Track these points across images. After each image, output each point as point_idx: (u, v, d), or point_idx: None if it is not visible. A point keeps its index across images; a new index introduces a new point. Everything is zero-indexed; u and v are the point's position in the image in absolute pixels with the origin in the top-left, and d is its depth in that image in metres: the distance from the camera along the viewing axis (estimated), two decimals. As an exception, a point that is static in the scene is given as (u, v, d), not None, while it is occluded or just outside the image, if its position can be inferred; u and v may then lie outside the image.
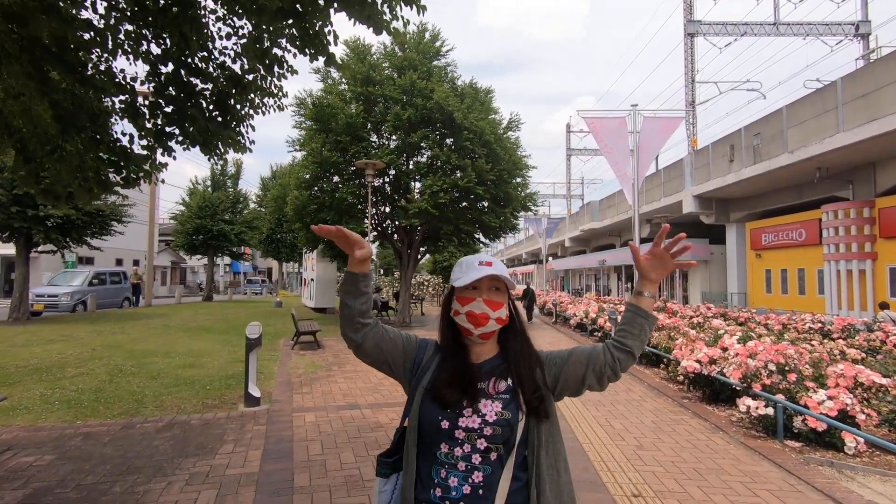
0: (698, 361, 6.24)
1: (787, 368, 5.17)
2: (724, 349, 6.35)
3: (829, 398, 4.56)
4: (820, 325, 11.84)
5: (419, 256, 16.95)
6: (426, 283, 29.57)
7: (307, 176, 14.92)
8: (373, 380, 7.40)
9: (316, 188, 15.11)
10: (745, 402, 5.04)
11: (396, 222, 15.42)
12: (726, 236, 24.32)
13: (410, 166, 14.93)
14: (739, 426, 5.37)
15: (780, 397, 4.88)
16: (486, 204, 14.85)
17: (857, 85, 15.58)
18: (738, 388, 5.73)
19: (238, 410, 5.68)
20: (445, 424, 1.28)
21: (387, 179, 15.42)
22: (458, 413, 1.28)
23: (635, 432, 5.15)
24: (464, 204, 14.90)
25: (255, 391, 5.78)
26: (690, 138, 25.75)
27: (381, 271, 59.65)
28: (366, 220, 13.85)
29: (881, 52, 18.38)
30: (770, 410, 4.83)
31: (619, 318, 1.48)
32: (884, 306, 11.66)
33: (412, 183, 15.03)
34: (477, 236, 16.82)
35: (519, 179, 15.16)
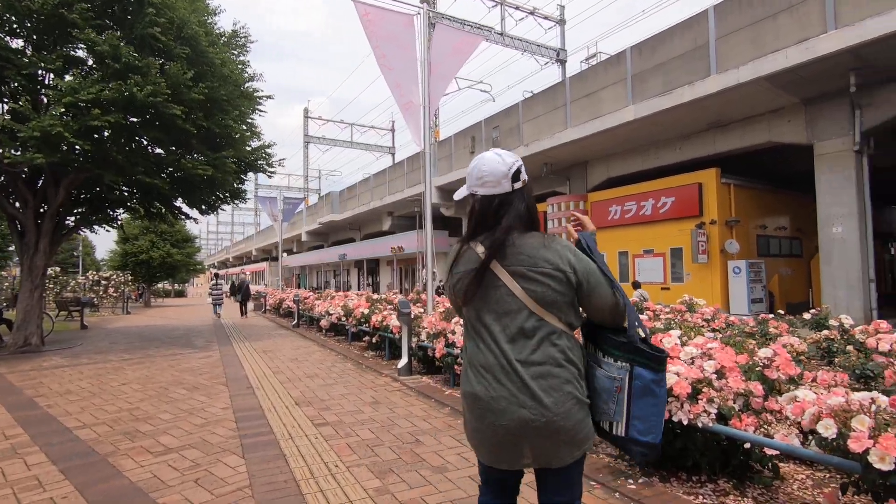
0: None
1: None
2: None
3: None
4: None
5: (64, 232, 9.45)
6: (106, 282, 19.22)
7: None
8: None
9: None
10: None
11: (6, 161, 7.97)
12: (463, 228, 23.84)
13: (34, 58, 7.77)
14: None
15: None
16: (194, 147, 8.84)
17: (584, 85, 15.94)
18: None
19: None
20: None
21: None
22: None
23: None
24: (147, 143, 8.64)
25: None
26: (433, 129, 24.23)
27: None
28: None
29: (600, 58, 20.10)
30: None
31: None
32: (636, 285, 11.19)
33: (38, 90, 7.98)
34: (177, 203, 10.39)
35: (245, 125, 9.65)
